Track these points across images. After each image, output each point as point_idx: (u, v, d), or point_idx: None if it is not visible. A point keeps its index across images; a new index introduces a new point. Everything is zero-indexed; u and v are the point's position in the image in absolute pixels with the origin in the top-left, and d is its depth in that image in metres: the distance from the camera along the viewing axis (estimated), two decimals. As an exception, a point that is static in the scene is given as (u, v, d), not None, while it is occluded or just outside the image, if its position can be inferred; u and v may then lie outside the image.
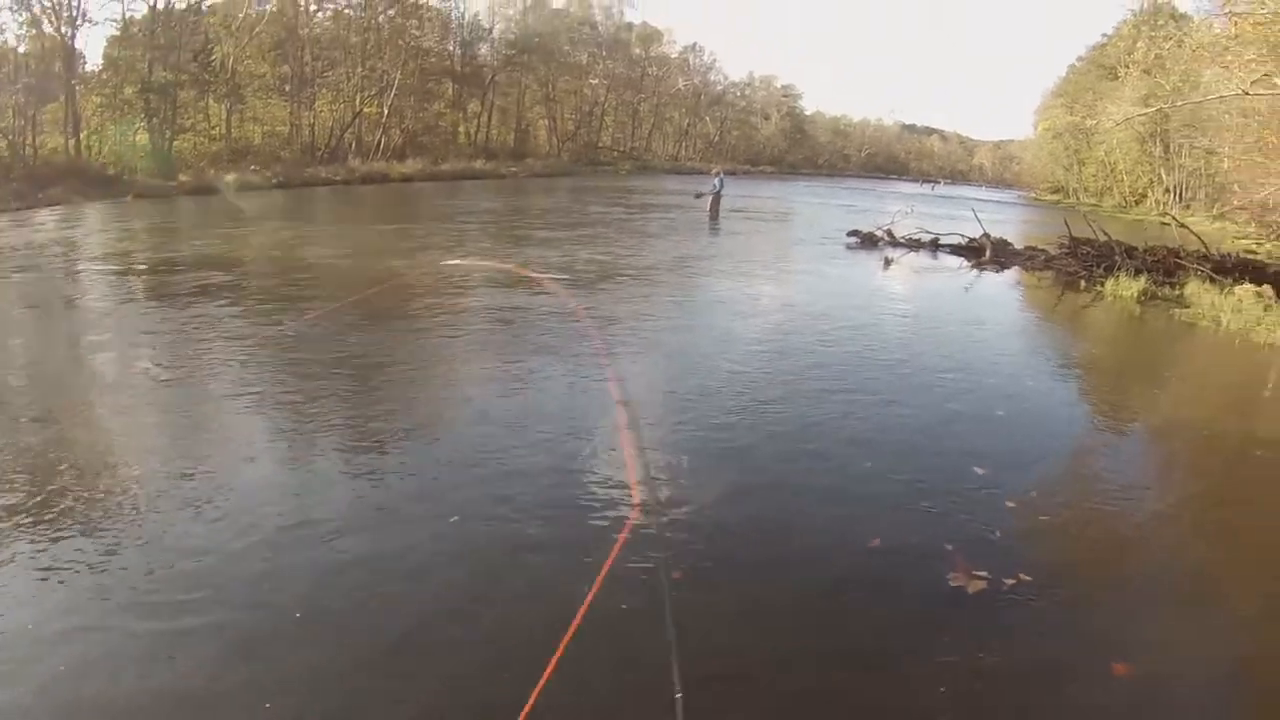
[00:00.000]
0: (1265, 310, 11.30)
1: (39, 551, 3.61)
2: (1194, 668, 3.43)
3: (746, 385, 6.81)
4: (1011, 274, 15.61)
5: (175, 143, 35.58)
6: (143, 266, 13.04)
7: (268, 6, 38.77)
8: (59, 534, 3.76)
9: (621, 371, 7.08)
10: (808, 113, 77.96)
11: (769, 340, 8.66)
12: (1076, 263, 15.45)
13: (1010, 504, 4.73)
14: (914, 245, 17.89)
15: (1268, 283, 12.67)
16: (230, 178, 32.32)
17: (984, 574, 3.85)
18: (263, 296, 10.40)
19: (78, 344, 8.20)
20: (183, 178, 31.48)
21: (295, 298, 10.28)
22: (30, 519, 3.88)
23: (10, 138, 29.56)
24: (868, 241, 18.02)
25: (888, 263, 15.74)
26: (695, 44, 67.21)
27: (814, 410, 6.27)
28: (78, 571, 3.47)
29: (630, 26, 59.50)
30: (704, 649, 3.21)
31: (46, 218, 21.41)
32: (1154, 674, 3.34)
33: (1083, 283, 14.24)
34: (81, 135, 32.82)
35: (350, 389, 6.38)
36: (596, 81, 56.30)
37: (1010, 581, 3.81)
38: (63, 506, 4.02)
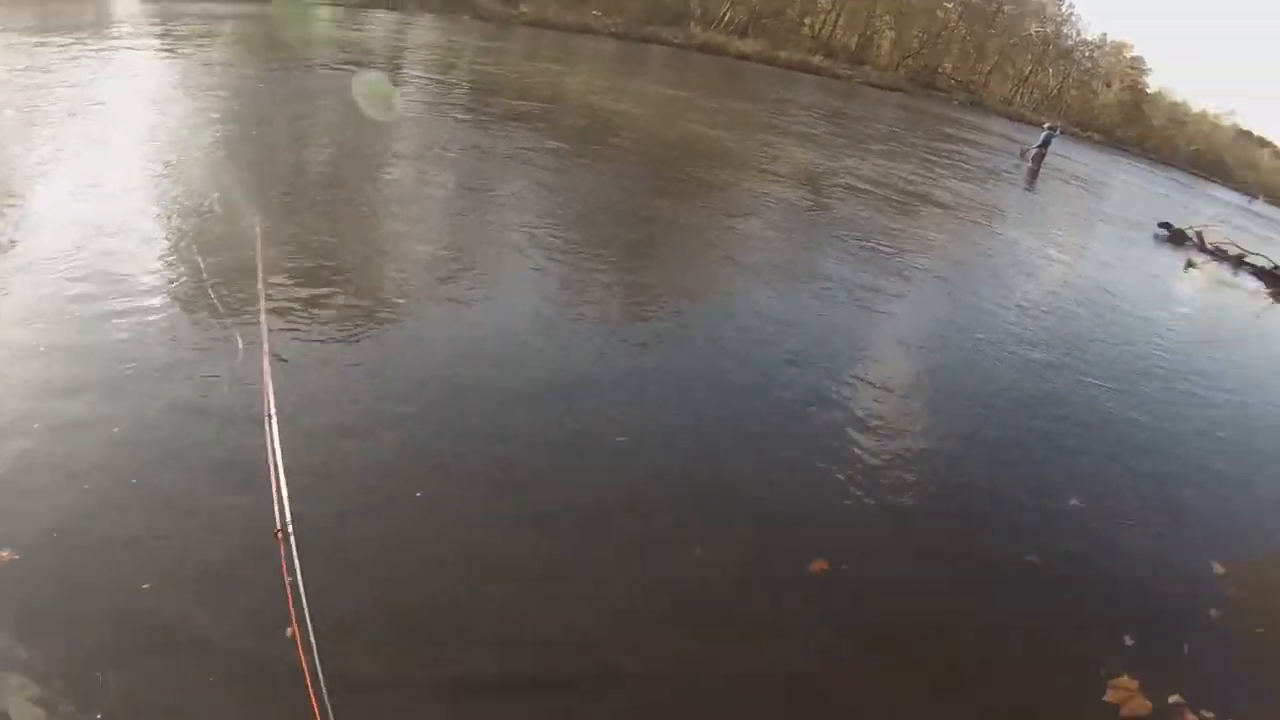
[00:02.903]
0: None
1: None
2: None
3: (1012, 350, 7.39)
4: (1305, 312, 15.32)
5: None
6: (457, 81, 15.19)
7: None
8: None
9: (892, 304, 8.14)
10: (1150, 90, 71.73)
11: (1049, 307, 9.39)
12: (1377, 319, 15.06)
13: (1221, 569, 4.57)
14: (1219, 255, 18.09)
15: None
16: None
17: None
18: (559, 135, 11.98)
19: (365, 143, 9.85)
20: (523, 8, 33.81)
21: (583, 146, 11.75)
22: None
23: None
24: (1176, 238, 18.53)
25: (1189, 265, 16.36)
26: (1056, -9, 63.18)
27: (1072, 403, 6.56)
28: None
29: (994, -39, 57.37)
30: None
31: (381, 19, 24.25)
32: None
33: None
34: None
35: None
36: (950, 5, 55.24)
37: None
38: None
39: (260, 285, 4.49)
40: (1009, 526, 4.61)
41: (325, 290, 5.40)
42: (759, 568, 3.81)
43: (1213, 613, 4.19)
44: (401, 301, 5.58)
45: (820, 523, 4.24)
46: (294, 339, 4.66)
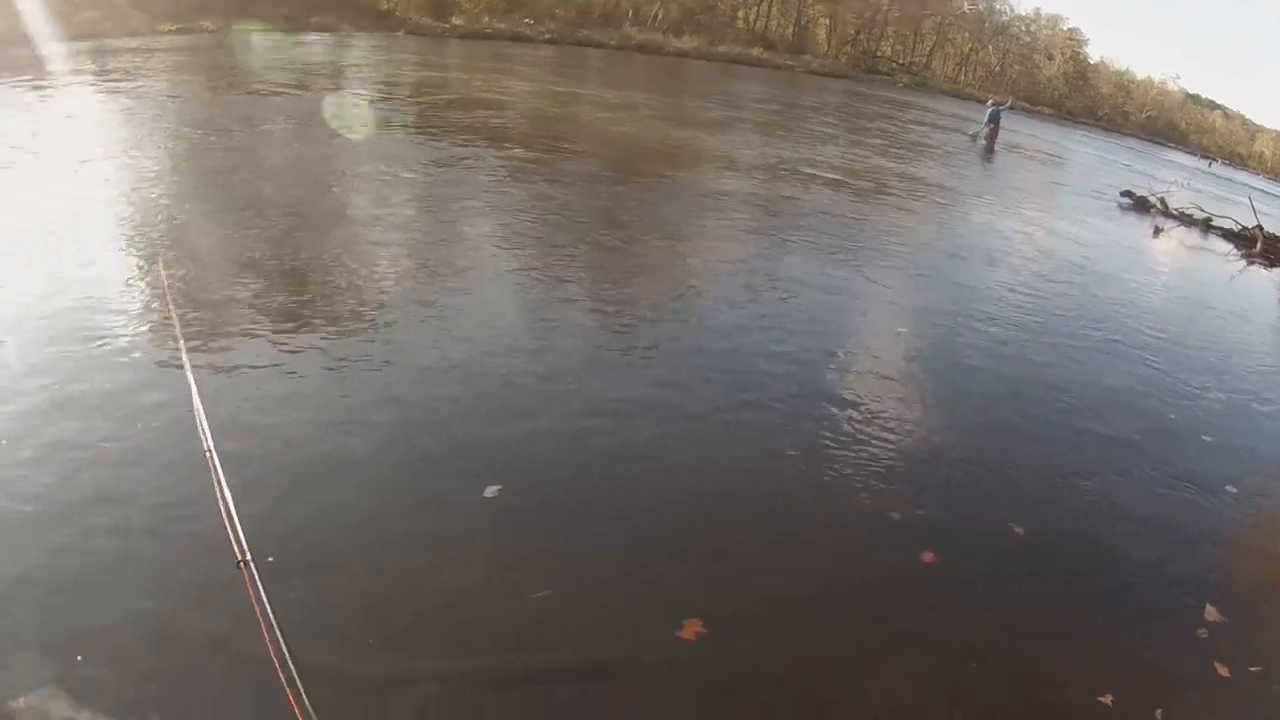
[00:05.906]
0: None
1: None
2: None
3: (990, 327, 7.21)
4: (1278, 273, 15.26)
5: (452, -15, 37.76)
6: (403, 97, 14.98)
7: None
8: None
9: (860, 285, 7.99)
10: (1091, 60, 72.75)
11: (1025, 287, 9.06)
12: (1348, 277, 14.72)
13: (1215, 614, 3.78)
14: (1185, 220, 17.96)
15: None
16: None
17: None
18: (510, 144, 11.92)
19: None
20: (455, 20, 33.81)
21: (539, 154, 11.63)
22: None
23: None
24: (1140, 205, 18.32)
25: (1157, 231, 16.22)
26: (984, -32, 63.70)
27: (1057, 387, 6.17)
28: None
29: (920, -60, 57.43)
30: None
31: (317, 40, 24.20)
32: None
33: (1353, 299, 13.63)
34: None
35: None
36: (882, -11, 55.16)
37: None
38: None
39: (174, 314, 4.45)
40: (971, 554, 3.95)
41: (280, 312, 5.19)
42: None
43: (1220, 669, 3.40)
44: (365, 321, 5.29)
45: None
46: (238, 364, 4.49)
